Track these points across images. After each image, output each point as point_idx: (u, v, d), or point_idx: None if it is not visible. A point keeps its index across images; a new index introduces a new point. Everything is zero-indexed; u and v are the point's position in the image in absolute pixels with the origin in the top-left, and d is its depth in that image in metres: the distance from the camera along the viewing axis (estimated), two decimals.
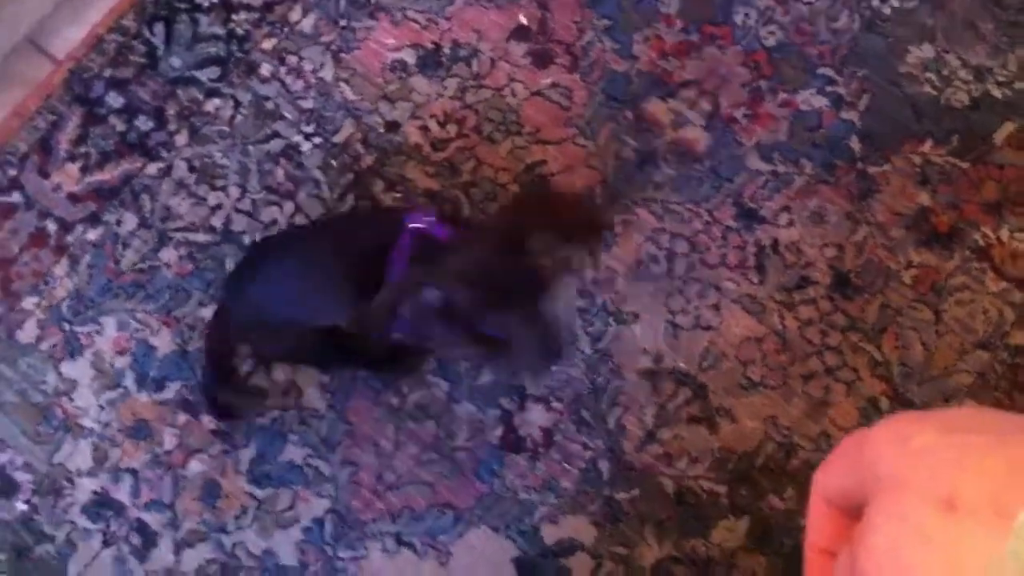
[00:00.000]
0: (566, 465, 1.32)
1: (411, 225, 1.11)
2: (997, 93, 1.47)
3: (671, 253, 1.41)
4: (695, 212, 1.42)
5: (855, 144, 1.45)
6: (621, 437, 1.33)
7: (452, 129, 1.47)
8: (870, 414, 1.33)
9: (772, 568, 1.28)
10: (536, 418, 1.33)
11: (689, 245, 1.41)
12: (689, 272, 1.40)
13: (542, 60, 1.50)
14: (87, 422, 1.36)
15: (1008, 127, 1.45)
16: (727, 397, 1.35)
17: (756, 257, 1.41)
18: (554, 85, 1.49)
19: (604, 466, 1.32)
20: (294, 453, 1.33)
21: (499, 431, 1.33)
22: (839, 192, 1.43)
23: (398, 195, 1.43)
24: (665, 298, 1.39)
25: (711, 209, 1.42)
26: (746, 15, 1.51)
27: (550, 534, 1.30)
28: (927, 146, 1.45)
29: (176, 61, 1.51)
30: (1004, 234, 1.41)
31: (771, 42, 1.50)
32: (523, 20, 1.51)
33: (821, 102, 1.47)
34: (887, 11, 1.50)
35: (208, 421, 1.35)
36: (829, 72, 1.48)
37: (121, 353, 1.38)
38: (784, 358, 1.36)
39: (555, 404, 1.34)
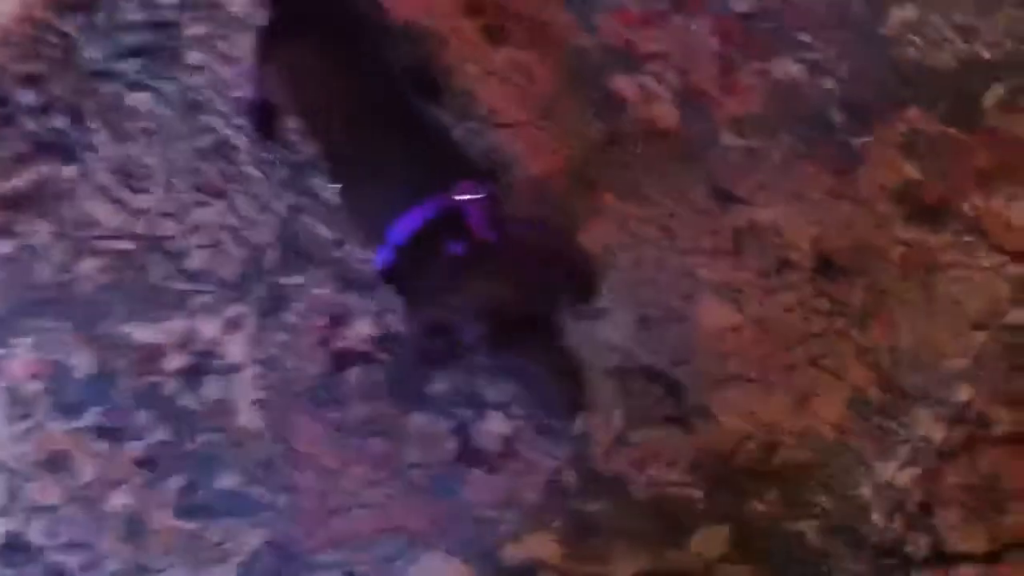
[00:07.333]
0: (528, 477, 1.21)
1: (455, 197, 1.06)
2: (985, 54, 1.36)
3: (639, 239, 1.30)
4: (665, 193, 1.31)
5: (836, 115, 1.34)
6: (588, 443, 1.22)
7: None
8: (858, 406, 1.23)
9: None
10: (495, 427, 1.22)
11: (659, 230, 1.30)
12: (660, 259, 1.29)
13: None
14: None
15: (997, 90, 1.34)
16: (703, 393, 1.24)
17: (732, 241, 1.29)
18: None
19: (570, 476, 1.21)
20: (227, 480, 1.21)
21: (454, 444, 1.22)
22: (820, 167, 1.32)
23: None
24: (634, 289, 1.28)
25: (683, 190, 1.31)
26: None
27: (512, 554, 1.18)
28: (913, 113, 1.34)
29: (95, 53, 1.38)
30: (998, 204, 1.30)
31: (743, 7, 1.38)
32: None
33: (798, 71, 1.35)
34: None
35: (130, 449, 1.22)
36: (806, 38, 1.37)
37: (35, 377, 1.25)
38: (764, 348, 1.25)
39: (515, 410, 1.23)
